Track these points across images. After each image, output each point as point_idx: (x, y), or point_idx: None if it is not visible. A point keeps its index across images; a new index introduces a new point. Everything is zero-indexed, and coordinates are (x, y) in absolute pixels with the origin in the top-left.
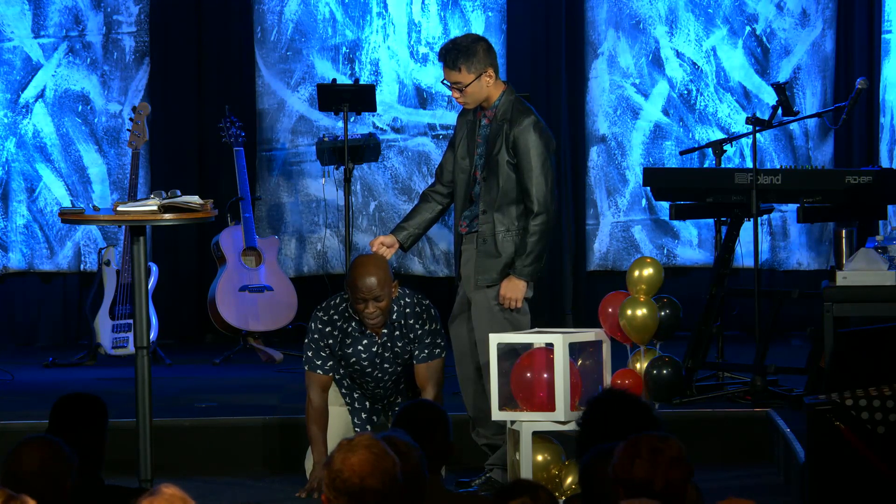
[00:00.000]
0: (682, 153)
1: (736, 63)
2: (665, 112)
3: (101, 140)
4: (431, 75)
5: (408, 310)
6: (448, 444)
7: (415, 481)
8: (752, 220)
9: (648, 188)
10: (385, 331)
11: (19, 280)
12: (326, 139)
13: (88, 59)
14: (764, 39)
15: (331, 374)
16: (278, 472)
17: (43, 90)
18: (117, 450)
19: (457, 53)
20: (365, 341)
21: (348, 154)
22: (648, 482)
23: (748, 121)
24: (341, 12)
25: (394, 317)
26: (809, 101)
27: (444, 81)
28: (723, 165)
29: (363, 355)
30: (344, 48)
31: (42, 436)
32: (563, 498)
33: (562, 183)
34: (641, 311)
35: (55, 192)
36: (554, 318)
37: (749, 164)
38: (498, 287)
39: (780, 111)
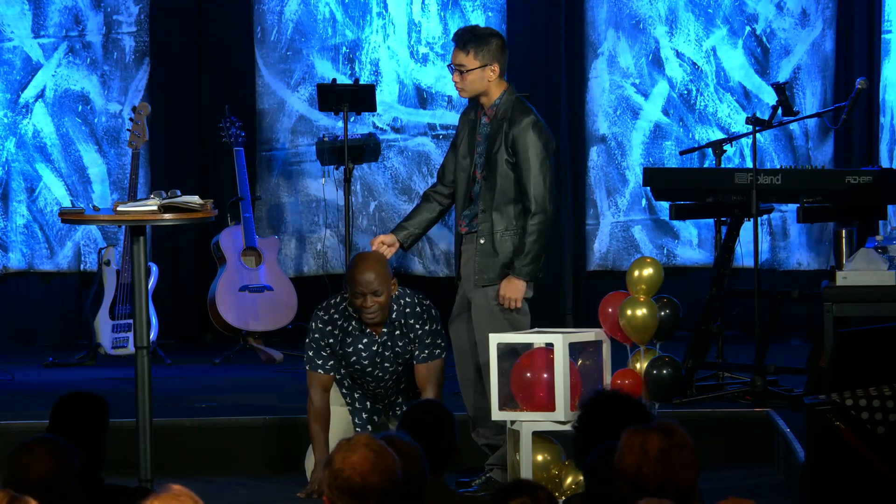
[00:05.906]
0: (682, 153)
1: (736, 63)
2: (665, 112)
3: (101, 140)
4: (431, 75)
5: (408, 309)
6: (454, 445)
7: (416, 481)
8: (752, 220)
9: (648, 188)
10: (385, 330)
11: (19, 280)
12: (326, 139)
13: (88, 59)
14: (764, 39)
15: (332, 374)
16: (278, 472)
17: (43, 90)
18: (117, 450)
19: (471, 37)
20: (365, 340)
21: (348, 154)
22: (657, 482)
23: (748, 121)
24: (341, 12)
25: (393, 316)
26: (809, 101)
27: (450, 65)
28: (723, 165)
29: (363, 354)
30: (344, 48)
31: (46, 437)
32: (563, 498)
33: (562, 183)
34: (641, 311)
35: (55, 192)
36: (554, 318)
37: (749, 164)
38: (498, 287)
39: (780, 111)
